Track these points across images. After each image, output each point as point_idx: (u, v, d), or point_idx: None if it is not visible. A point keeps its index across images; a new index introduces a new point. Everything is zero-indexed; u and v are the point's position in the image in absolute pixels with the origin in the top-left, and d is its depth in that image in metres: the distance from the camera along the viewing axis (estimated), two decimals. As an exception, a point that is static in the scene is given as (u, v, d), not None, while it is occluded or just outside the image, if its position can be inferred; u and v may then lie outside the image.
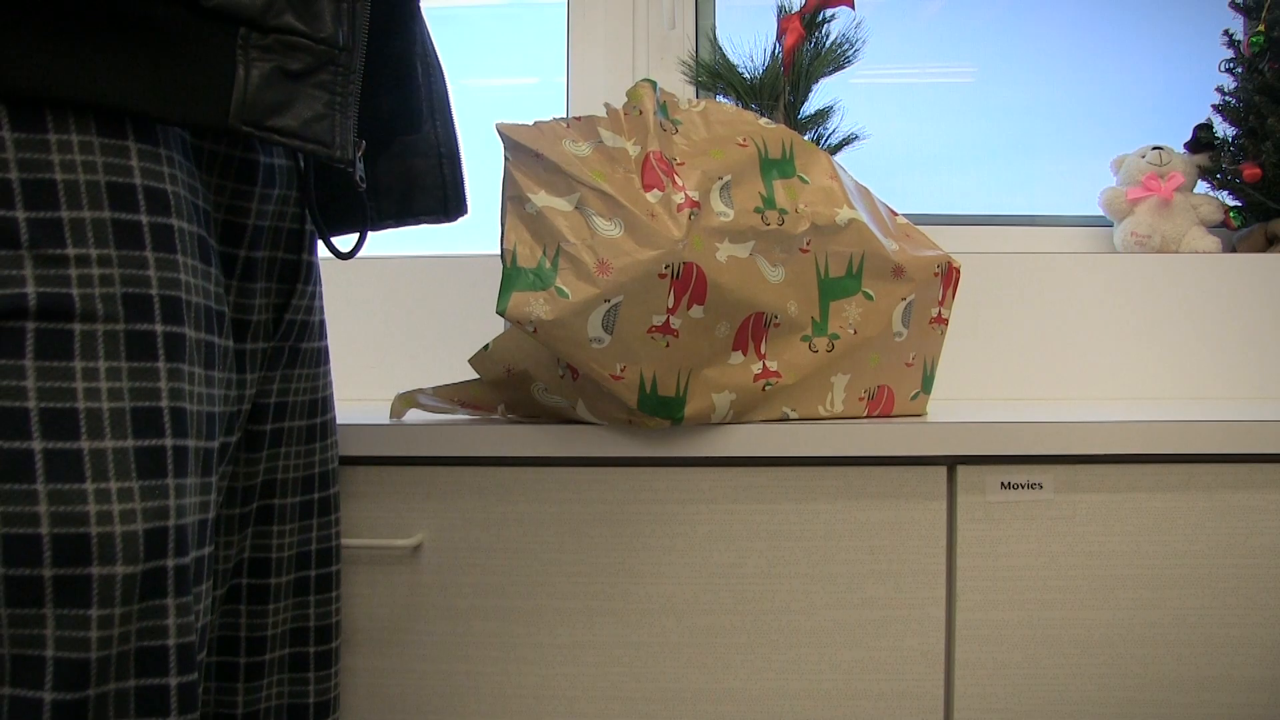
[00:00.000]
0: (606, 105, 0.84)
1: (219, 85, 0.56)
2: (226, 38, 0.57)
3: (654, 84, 0.85)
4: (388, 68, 0.77)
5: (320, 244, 0.79)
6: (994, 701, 0.85)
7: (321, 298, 0.79)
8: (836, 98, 1.32)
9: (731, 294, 0.79)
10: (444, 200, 0.84)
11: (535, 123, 0.82)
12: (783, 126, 0.88)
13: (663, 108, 0.85)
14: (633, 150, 0.81)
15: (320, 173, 0.79)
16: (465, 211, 0.85)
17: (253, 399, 0.71)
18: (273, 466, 0.73)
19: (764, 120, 0.88)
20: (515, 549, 0.85)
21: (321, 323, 0.78)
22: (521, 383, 0.83)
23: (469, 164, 0.88)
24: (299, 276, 0.73)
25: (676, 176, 0.80)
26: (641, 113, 0.82)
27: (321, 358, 0.78)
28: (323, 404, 0.78)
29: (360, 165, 0.71)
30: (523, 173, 0.80)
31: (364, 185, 0.71)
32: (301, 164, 0.73)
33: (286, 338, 0.72)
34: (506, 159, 0.81)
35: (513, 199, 0.79)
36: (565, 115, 0.87)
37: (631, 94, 0.84)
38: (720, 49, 1.32)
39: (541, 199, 0.78)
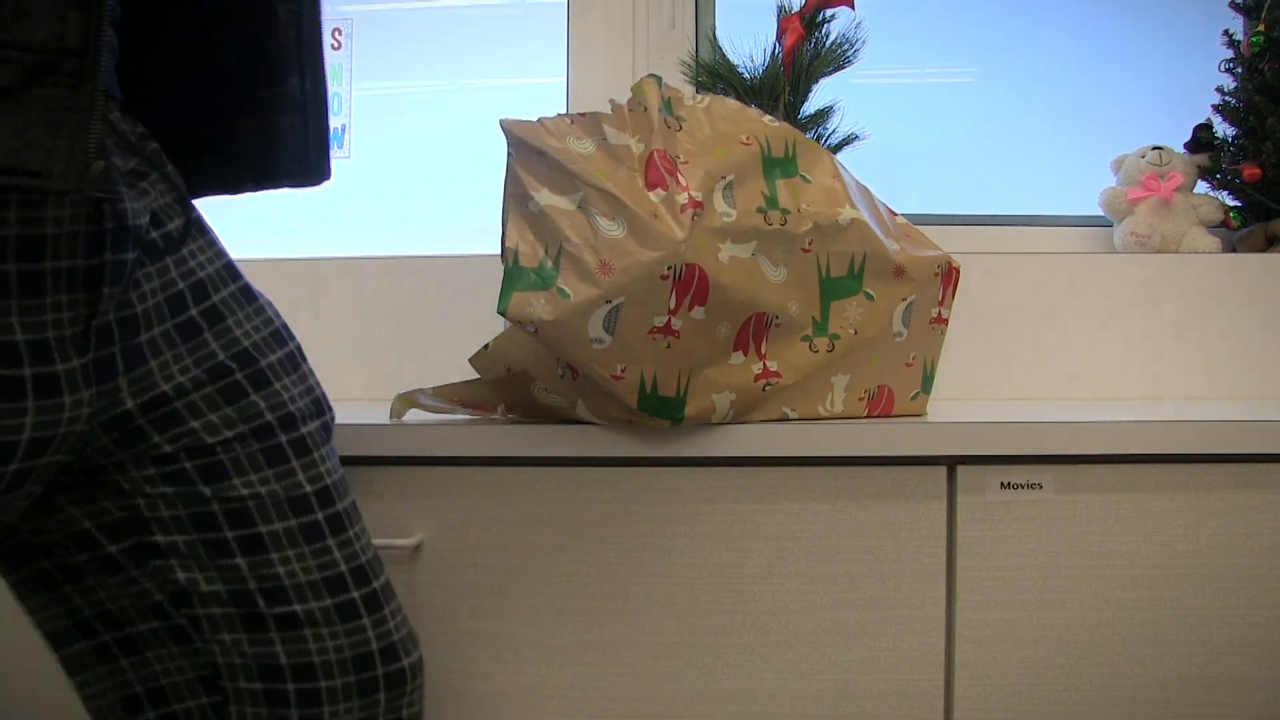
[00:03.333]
0: (611, 101, 0.84)
1: None
2: None
3: (659, 80, 0.84)
4: (229, 15, 0.68)
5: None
6: (994, 701, 0.85)
7: (154, 277, 0.65)
8: (836, 98, 1.32)
9: (733, 294, 0.79)
10: (306, 162, 0.74)
11: (539, 119, 0.81)
12: (786, 125, 0.88)
13: (667, 104, 0.85)
14: (636, 148, 0.80)
15: (183, 133, 0.69)
16: (328, 176, 0.75)
17: (88, 418, 0.60)
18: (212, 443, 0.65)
19: (768, 118, 0.88)
20: (515, 549, 0.85)
21: (160, 304, 0.65)
22: (521, 382, 0.82)
23: (469, 163, 0.87)
24: (104, 280, 0.60)
25: (680, 175, 0.80)
26: (646, 109, 0.82)
27: (189, 332, 0.65)
28: (242, 356, 0.67)
29: (118, 197, 0.59)
30: (526, 170, 0.79)
31: (117, 221, 0.60)
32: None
33: (105, 345, 0.61)
34: (510, 155, 0.81)
35: (515, 196, 0.79)
36: (567, 113, 0.86)
37: (636, 90, 0.84)
38: (720, 49, 1.32)
39: (544, 197, 0.78)
